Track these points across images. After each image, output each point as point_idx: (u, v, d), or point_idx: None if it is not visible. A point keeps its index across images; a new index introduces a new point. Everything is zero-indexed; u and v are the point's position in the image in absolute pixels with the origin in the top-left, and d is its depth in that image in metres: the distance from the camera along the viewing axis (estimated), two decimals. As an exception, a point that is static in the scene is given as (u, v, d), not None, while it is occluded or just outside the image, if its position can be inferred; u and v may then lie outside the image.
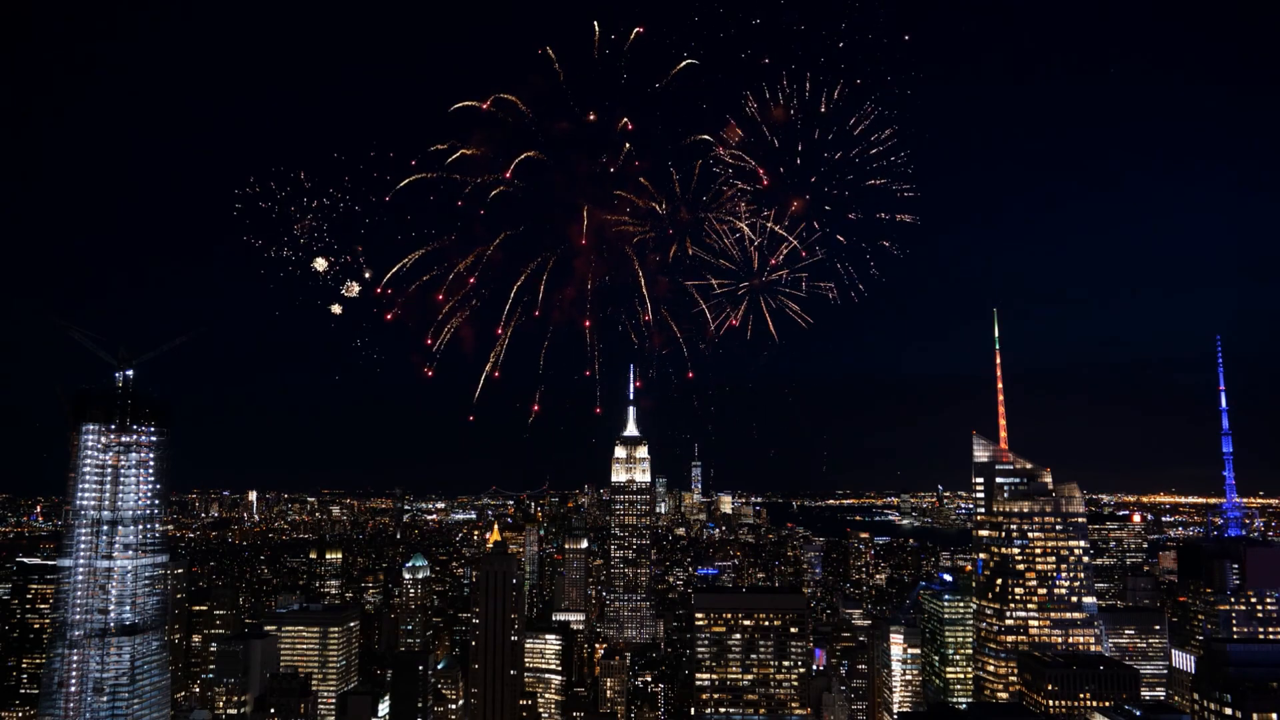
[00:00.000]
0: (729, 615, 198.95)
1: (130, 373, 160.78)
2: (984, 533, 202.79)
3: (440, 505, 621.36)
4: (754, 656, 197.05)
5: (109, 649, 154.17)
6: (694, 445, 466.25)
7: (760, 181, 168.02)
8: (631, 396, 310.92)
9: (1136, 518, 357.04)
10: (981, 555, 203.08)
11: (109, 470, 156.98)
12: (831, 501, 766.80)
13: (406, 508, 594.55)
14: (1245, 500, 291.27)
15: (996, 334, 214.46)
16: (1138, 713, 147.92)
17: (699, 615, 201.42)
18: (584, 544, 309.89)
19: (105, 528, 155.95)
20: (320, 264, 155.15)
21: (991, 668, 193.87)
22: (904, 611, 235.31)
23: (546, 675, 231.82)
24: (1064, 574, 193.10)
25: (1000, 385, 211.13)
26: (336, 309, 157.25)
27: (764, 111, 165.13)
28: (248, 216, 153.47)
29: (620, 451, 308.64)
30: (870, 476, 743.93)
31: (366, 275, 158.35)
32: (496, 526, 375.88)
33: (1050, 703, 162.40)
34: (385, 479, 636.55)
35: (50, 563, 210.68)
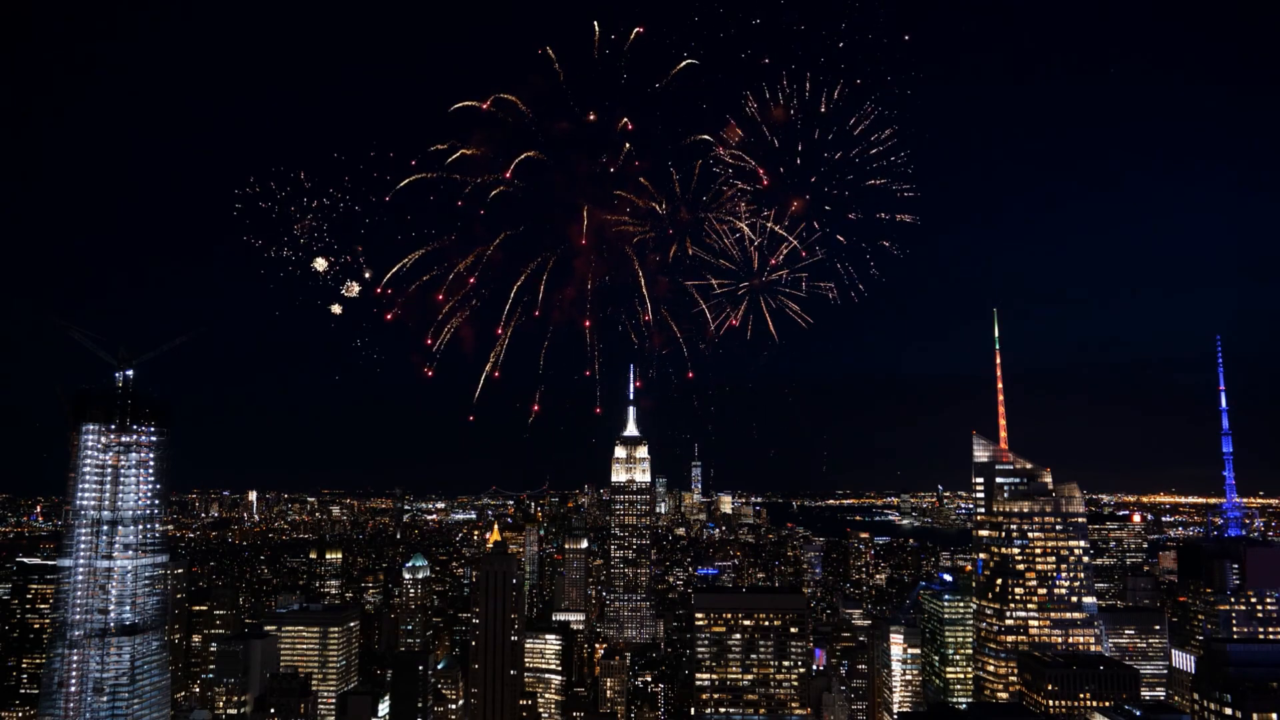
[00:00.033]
0: (729, 615, 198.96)
1: (130, 373, 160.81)
2: (984, 533, 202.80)
3: (440, 505, 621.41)
4: (754, 656, 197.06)
5: (109, 649, 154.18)
6: (694, 445, 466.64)
7: (760, 181, 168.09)
8: (631, 396, 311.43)
9: (1136, 518, 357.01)
10: (981, 555, 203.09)
11: (109, 470, 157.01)
12: (831, 501, 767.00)
13: (406, 508, 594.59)
14: (1245, 500, 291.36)
15: (996, 334, 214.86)
16: (1138, 713, 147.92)
17: (699, 615, 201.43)
18: (584, 544, 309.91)
19: (105, 528, 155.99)
20: (320, 264, 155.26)
21: (991, 668, 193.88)
22: (904, 611, 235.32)
23: (546, 675, 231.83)
24: (1064, 574, 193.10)
25: (1000, 385, 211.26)
26: (336, 309, 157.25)
27: (764, 111, 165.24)
28: (247, 216, 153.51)
29: (620, 451, 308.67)
30: (870, 476, 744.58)
31: (366, 275, 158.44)
32: (496, 526, 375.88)
33: (1050, 703, 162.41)
34: (385, 479, 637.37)
35: (50, 563, 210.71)
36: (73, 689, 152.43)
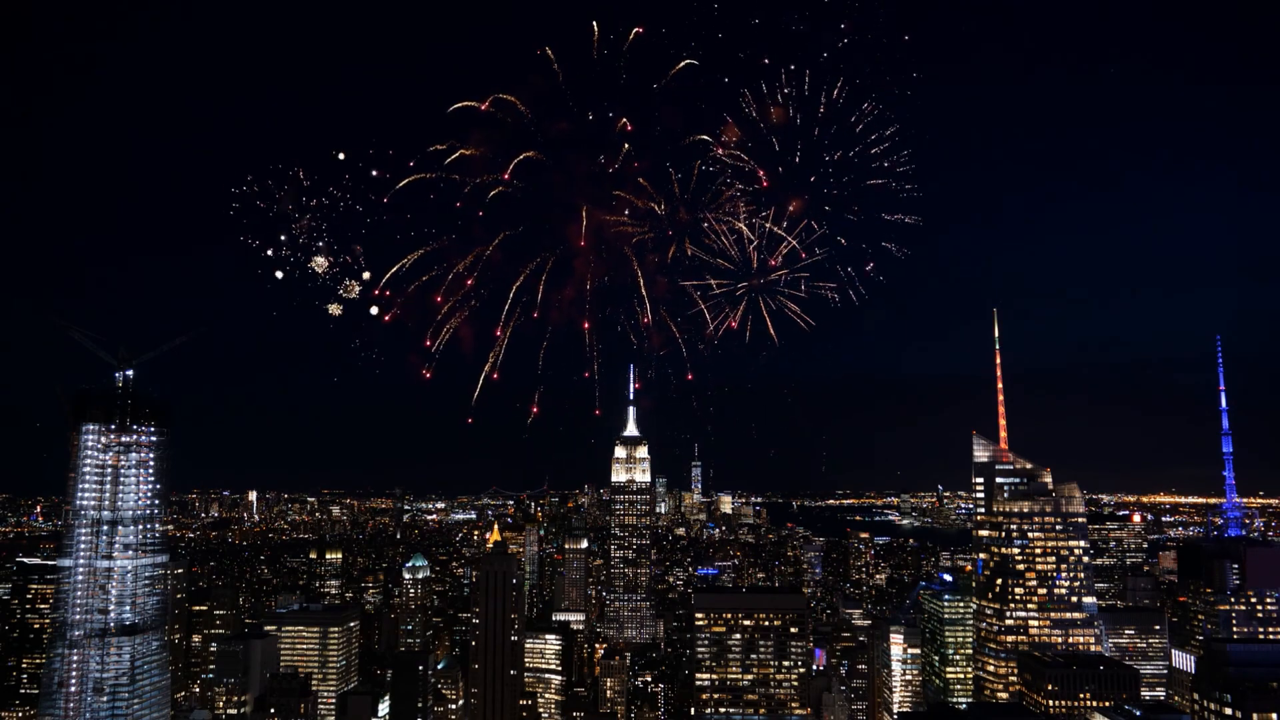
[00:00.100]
0: (729, 615, 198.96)
1: (130, 373, 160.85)
2: (984, 533, 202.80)
3: (440, 505, 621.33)
4: (754, 656, 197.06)
5: (109, 649, 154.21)
6: (694, 445, 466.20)
7: (760, 183, 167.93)
8: (631, 396, 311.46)
9: (1136, 518, 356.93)
10: (981, 555, 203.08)
11: (109, 470, 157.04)
12: (831, 501, 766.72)
13: (406, 508, 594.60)
14: (1245, 500, 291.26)
15: (996, 334, 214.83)
16: (1138, 713, 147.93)
17: (699, 615, 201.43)
18: (584, 544, 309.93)
19: (105, 528, 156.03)
20: (319, 263, 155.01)
21: (991, 668, 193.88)
22: (904, 611, 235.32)
23: (546, 675, 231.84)
24: (1064, 574, 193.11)
25: (1000, 385, 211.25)
26: (335, 310, 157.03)
27: (763, 112, 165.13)
28: (245, 216, 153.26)
29: (620, 451, 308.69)
30: (870, 476, 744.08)
31: (365, 276, 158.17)
32: (496, 526, 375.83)
33: (1050, 703, 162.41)
34: (385, 479, 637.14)
35: (50, 563, 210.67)
36: (73, 689, 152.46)
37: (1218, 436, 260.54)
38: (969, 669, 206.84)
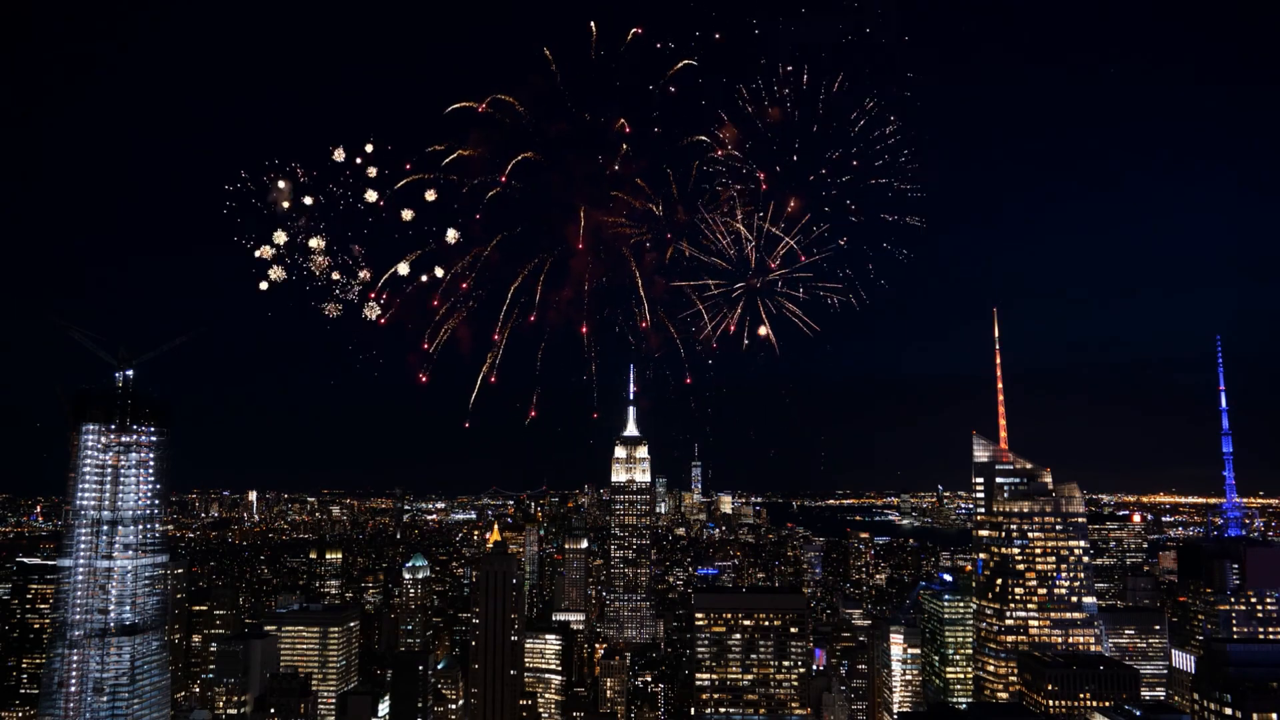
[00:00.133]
0: (729, 615, 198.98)
1: (130, 373, 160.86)
2: (984, 533, 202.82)
3: (440, 505, 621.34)
4: (754, 656, 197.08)
5: (109, 649, 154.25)
6: (694, 445, 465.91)
7: (760, 184, 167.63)
8: (631, 397, 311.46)
9: (1136, 518, 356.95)
10: (981, 555, 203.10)
11: (109, 470, 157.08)
12: (831, 501, 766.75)
13: (406, 508, 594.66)
14: (1245, 500, 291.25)
15: (996, 334, 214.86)
16: (1138, 713, 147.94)
17: (699, 615, 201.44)
18: (584, 544, 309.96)
19: (105, 528, 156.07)
20: (317, 263, 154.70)
21: (991, 668, 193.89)
22: (904, 611, 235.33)
23: (546, 675, 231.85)
24: (1064, 574, 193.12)
25: (1000, 385, 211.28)
26: (333, 311, 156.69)
27: (761, 111, 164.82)
28: (240, 215, 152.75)
29: (620, 451, 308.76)
30: (870, 476, 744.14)
31: (362, 275, 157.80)
32: (496, 526, 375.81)
33: (1050, 703, 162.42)
34: (385, 479, 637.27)
35: (50, 563, 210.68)
36: (73, 689, 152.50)
37: (1218, 436, 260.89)
38: (969, 669, 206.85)
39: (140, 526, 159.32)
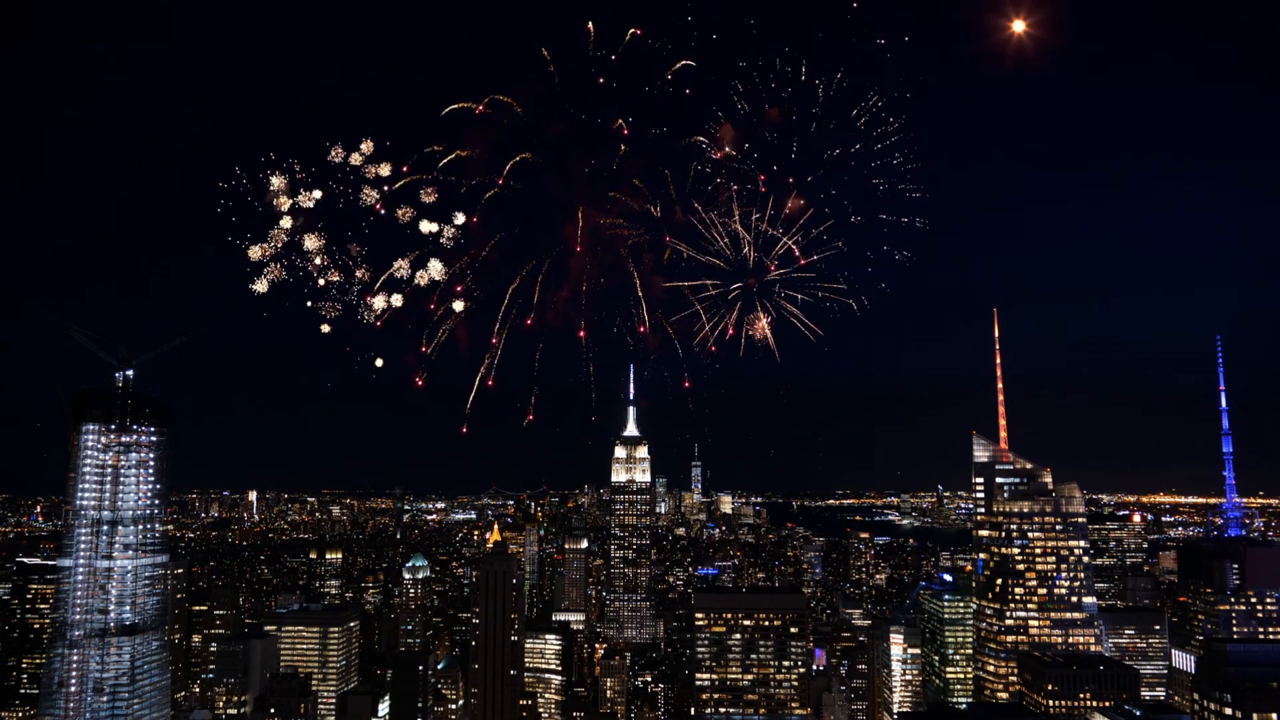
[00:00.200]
0: (729, 615, 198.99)
1: (130, 373, 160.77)
2: (984, 533, 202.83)
3: (440, 505, 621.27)
4: (754, 656, 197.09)
5: (109, 649, 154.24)
6: (693, 445, 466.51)
7: (759, 185, 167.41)
8: (631, 397, 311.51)
9: (1136, 518, 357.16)
10: (981, 555, 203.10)
11: (109, 470, 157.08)
12: (831, 501, 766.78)
13: (406, 508, 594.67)
14: (1245, 500, 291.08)
15: (996, 334, 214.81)
16: (1138, 713, 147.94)
17: (699, 615, 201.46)
18: (584, 544, 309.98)
19: (105, 528, 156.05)
20: (314, 263, 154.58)
21: (991, 668, 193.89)
22: (904, 611, 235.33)
23: (546, 675, 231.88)
24: (1064, 574, 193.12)
25: (1000, 385, 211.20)
26: (330, 311, 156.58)
27: (759, 112, 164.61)
28: (236, 214, 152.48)
29: (620, 451, 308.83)
30: (870, 476, 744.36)
31: (359, 274, 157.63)
32: (496, 526, 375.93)
33: (1050, 703, 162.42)
34: (385, 479, 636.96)
35: (50, 563, 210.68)
36: (73, 689, 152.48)
37: (1218, 436, 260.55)
38: (969, 669, 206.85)
39: (140, 526, 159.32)
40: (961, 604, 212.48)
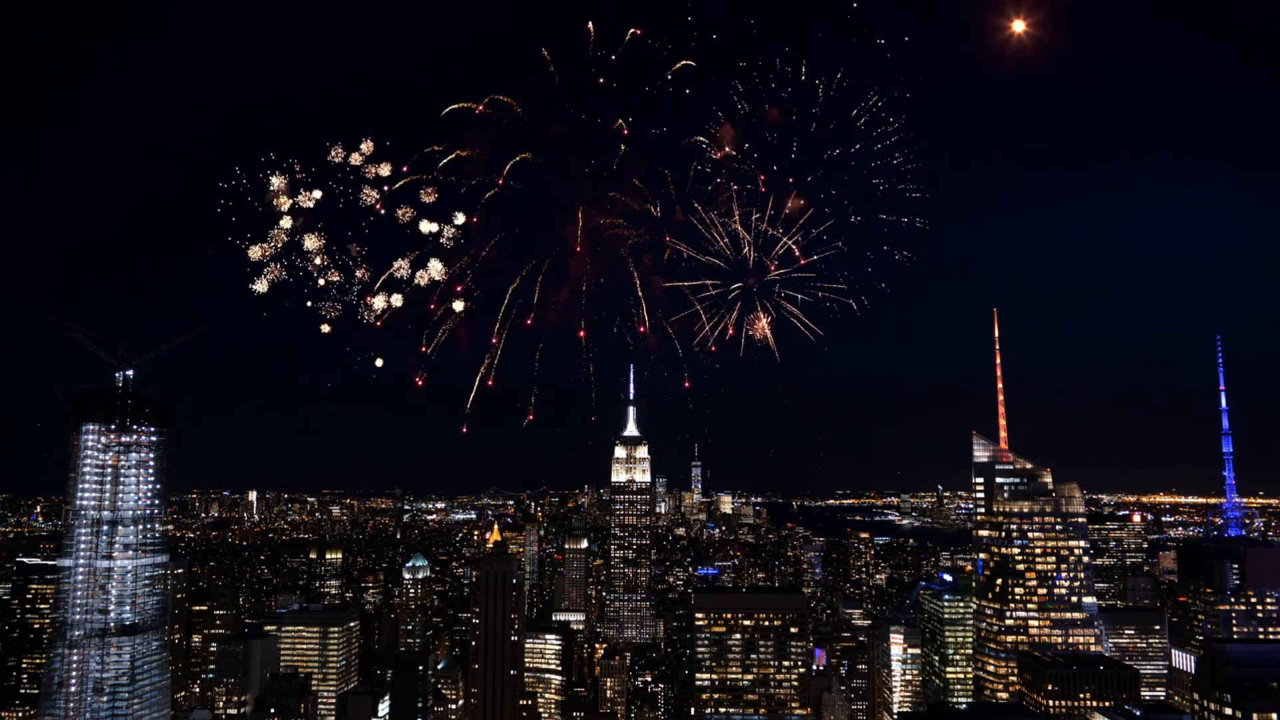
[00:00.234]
0: (729, 615, 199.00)
1: (130, 373, 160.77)
2: (984, 533, 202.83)
3: (440, 505, 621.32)
4: (754, 656, 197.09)
5: (109, 649, 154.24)
6: (694, 445, 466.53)
7: (759, 185, 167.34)
8: (631, 397, 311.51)
9: (1136, 518, 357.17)
10: (981, 555, 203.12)
11: (109, 470, 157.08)
12: (831, 501, 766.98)
13: (406, 508, 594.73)
14: (1245, 500, 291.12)
15: (996, 334, 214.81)
16: (1138, 713, 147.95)
17: (699, 615, 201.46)
18: (584, 544, 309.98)
19: (105, 528, 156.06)
20: (314, 263, 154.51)
21: (991, 668, 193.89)
22: (904, 611, 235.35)
23: (546, 675, 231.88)
24: (1064, 574, 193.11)
25: (1000, 385, 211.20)
26: (330, 311, 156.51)
27: (759, 111, 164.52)
28: (235, 214, 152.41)
29: (620, 451, 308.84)
30: (870, 476, 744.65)
31: (359, 274, 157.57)
32: (496, 526, 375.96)
33: (1050, 703, 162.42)
34: (385, 479, 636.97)
35: (50, 563, 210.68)
36: (73, 689, 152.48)
37: (1218, 436, 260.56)
38: (969, 669, 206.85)
39: (140, 526, 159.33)
40: (961, 604, 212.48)
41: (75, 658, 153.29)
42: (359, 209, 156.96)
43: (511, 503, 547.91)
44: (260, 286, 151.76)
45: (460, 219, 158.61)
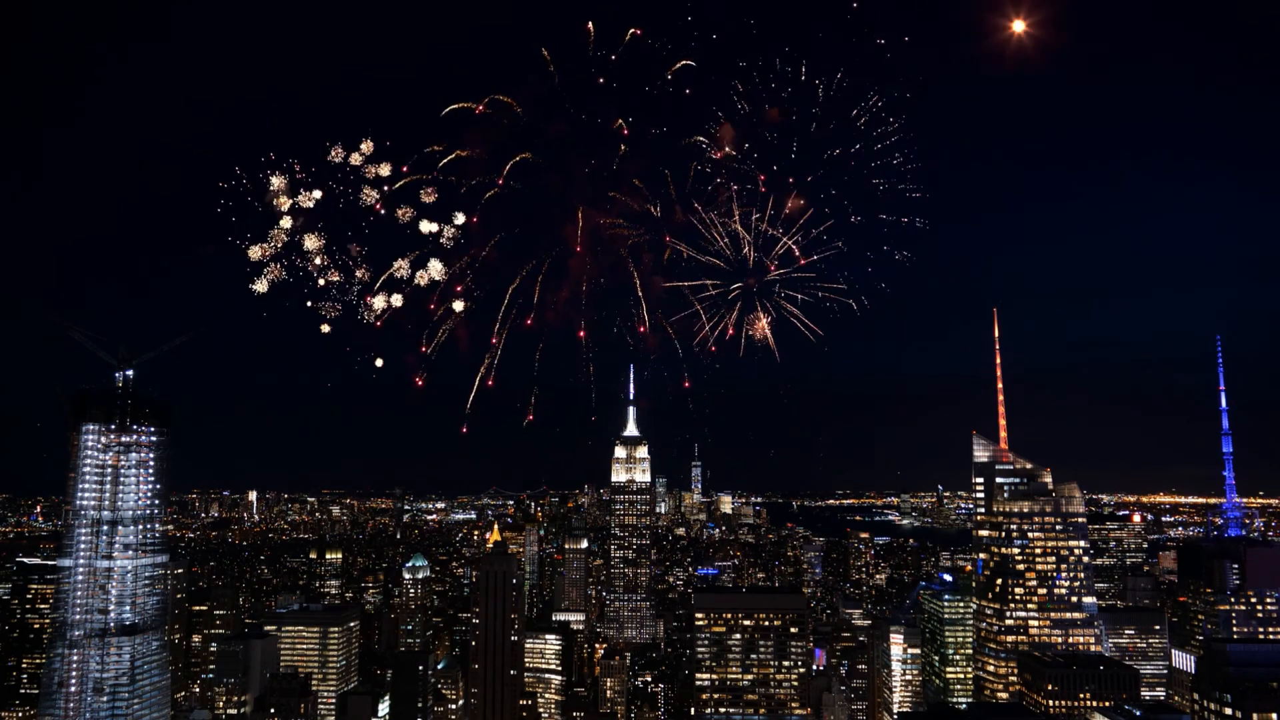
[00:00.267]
0: (729, 615, 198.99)
1: (130, 373, 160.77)
2: (984, 533, 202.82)
3: (440, 505, 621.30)
4: (754, 656, 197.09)
5: (109, 649, 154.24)
6: (694, 445, 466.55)
7: (759, 185, 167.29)
8: (631, 397, 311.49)
9: (1136, 518, 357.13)
10: (981, 555, 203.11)
11: (109, 470, 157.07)
12: (831, 501, 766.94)
13: (406, 508, 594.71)
14: (1245, 500, 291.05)
15: (996, 334, 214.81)
16: (1138, 713, 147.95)
17: (699, 615, 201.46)
18: (584, 544, 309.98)
19: (105, 528, 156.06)
20: (314, 263, 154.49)
21: (991, 668, 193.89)
22: (904, 611, 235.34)
23: (546, 675, 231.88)
24: (1064, 574, 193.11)
25: (1000, 385, 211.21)
26: (330, 311, 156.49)
27: (759, 112, 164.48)
28: (235, 214, 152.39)
29: (620, 451, 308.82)
30: (870, 476, 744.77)
31: (359, 274, 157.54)
32: (496, 526, 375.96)
33: (1050, 703, 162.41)
34: (385, 479, 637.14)
35: (50, 563, 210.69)
36: (73, 689, 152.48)
37: (1218, 436, 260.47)
38: (969, 669, 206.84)
39: (140, 526, 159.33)
40: (961, 604, 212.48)
41: (75, 658, 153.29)
42: (359, 209, 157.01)
43: (511, 503, 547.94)
44: (260, 286, 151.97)
45: (460, 219, 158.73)
